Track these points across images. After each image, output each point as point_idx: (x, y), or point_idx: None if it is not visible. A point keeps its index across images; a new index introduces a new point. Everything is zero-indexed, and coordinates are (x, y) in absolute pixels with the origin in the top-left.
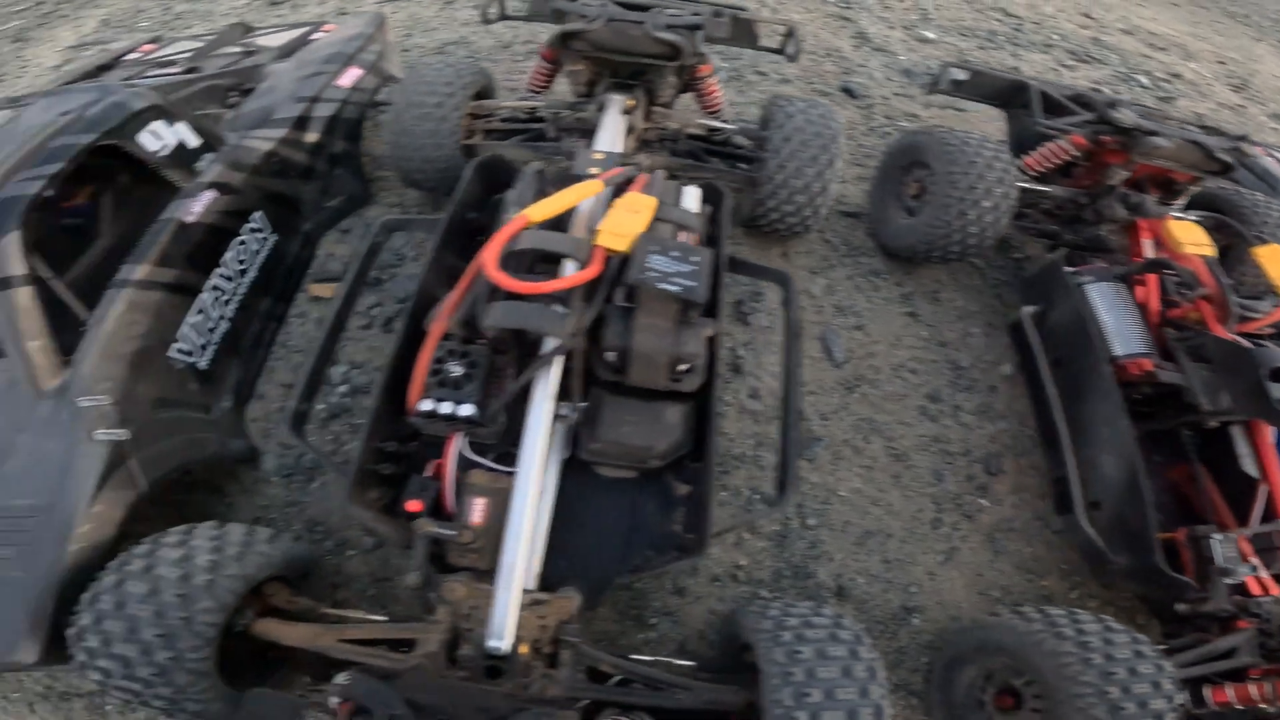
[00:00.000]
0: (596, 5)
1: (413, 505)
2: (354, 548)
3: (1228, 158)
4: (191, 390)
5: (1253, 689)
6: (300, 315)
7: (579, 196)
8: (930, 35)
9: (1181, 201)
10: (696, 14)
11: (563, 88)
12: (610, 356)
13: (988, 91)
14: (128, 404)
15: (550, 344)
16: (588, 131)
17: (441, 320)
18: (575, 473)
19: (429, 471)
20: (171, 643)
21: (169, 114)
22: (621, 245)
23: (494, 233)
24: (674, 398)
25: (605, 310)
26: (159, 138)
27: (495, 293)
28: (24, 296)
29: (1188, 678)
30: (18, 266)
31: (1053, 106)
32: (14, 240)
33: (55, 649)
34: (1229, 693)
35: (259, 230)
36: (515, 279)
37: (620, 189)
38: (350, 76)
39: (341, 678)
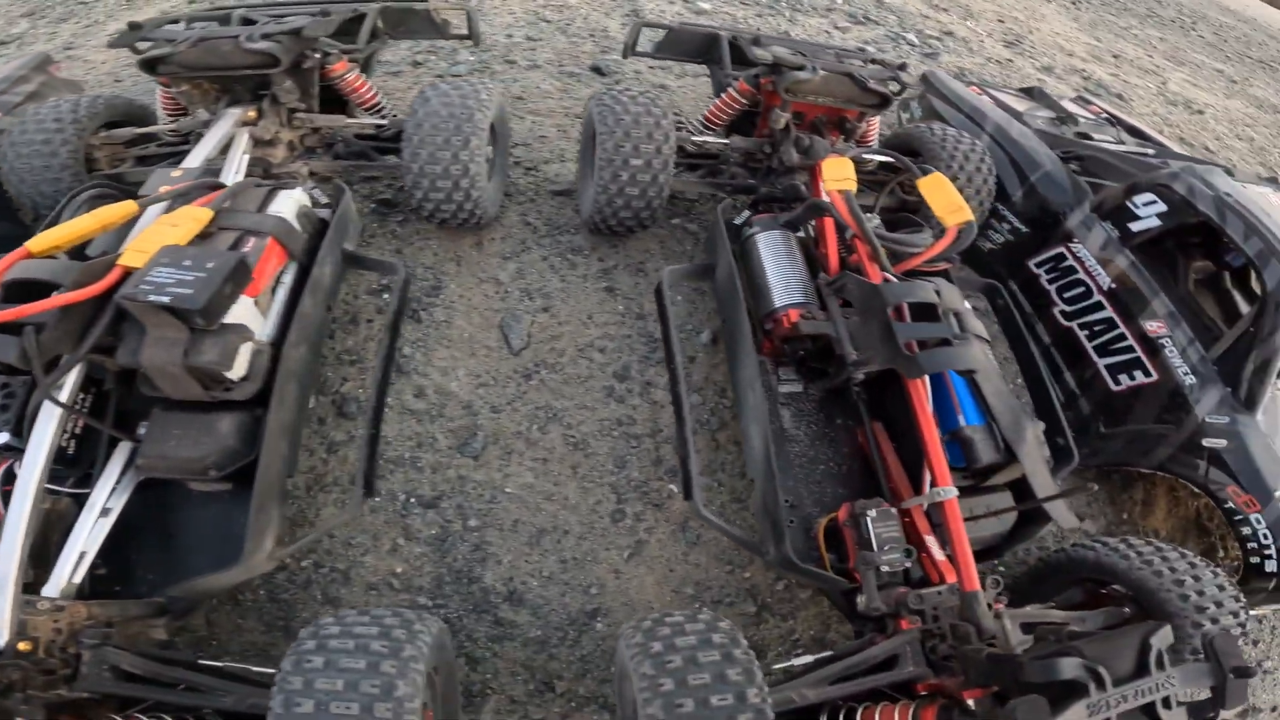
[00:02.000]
0: (184, 28)
1: None
2: None
3: (883, 89)
4: None
5: (896, 715)
6: None
7: (100, 221)
8: (705, 6)
9: (873, 142)
10: (328, 13)
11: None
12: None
13: (687, 48)
14: None
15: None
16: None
17: None
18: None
19: None
20: None
21: None
22: (139, 261)
23: None
24: (234, 406)
25: (127, 326)
26: None
27: None
28: None
29: (841, 698)
30: None
31: (743, 56)
32: None
33: None
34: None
35: None
36: None
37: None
38: None
39: None
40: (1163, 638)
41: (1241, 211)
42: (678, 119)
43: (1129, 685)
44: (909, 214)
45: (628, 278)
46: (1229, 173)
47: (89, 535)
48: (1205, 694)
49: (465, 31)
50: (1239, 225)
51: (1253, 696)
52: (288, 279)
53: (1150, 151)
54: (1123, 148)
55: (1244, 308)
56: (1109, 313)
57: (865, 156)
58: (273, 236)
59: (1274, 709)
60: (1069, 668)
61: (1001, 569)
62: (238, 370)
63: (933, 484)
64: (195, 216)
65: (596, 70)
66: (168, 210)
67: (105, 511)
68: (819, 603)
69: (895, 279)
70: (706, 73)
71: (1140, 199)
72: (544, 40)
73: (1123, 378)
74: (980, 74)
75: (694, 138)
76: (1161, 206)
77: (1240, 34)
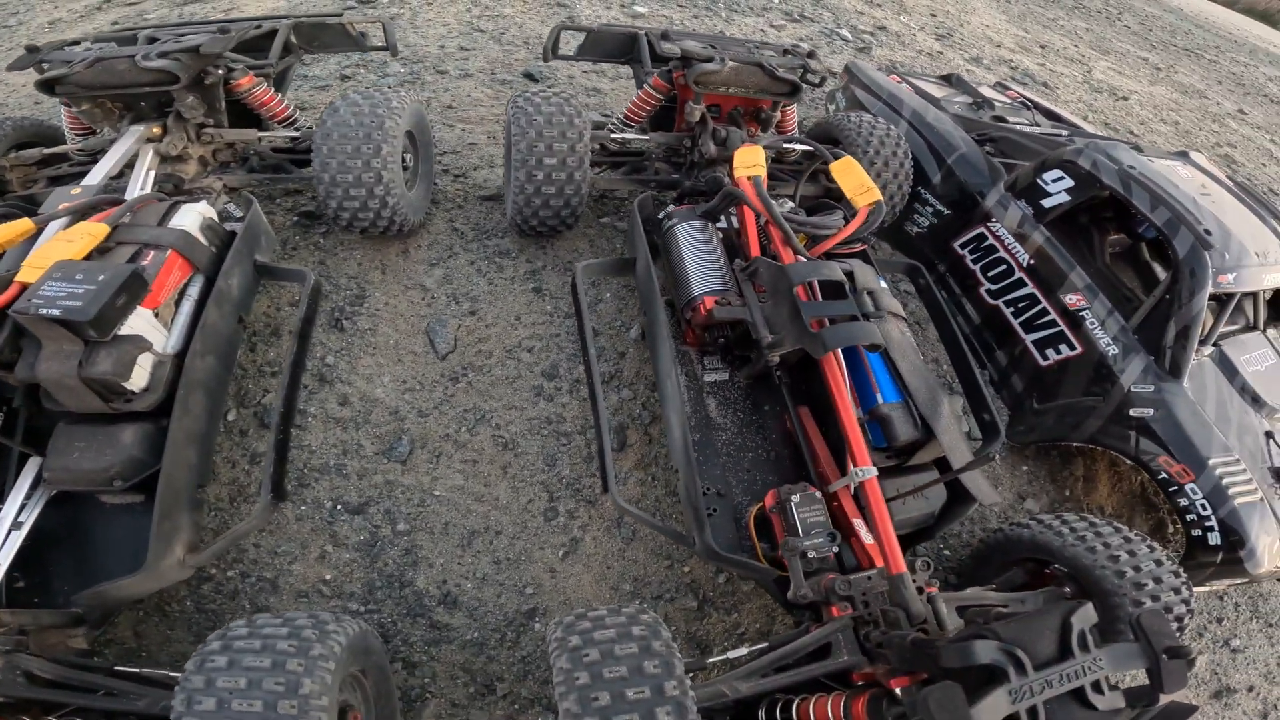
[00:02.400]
0: (84, 49)
1: None
2: None
3: (792, 76)
4: None
5: (829, 707)
6: None
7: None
8: (641, 10)
9: (792, 130)
10: (227, 30)
11: None
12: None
13: (608, 49)
14: None
15: None
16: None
17: None
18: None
19: None
20: None
21: None
22: (33, 277)
23: None
24: (138, 418)
25: (26, 342)
26: None
27: None
28: None
29: (776, 690)
30: None
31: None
32: None
33: None
34: (811, 711)
35: None
36: None
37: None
38: None
39: None
40: (1083, 617)
41: (1146, 183)
42: (605, 117)
43: (1052, 669)
44: (831, 200)
45: (556, 278)
46: (1137, 149)
47: (1, 548)
48: (1143, 678)
49: (383, 43)
50: (1145, 196)
51: (1225, 677)
52: (194, 291)
53: (1063, 132)
54: (1036, 129)
55: (1163, 277)
56: (1031, 289)
57: (784, 145)
58: (173, 249)
59: (1251, 689)
60: (984, 651)
61: (947, 553)
62: (137, 381)
63: (854, 464)
64: (90, 232)
65: (529, 76)
66: (67, 227)
67: (17, 525)
68: (762, 595)
69: (808, 260)
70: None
71: (1049, 176)
72: (477, 49)
73: (1049, 352)
74: (912, 66)
75: (614, 135)
76: (1069, 182)
77: (1166, 23)
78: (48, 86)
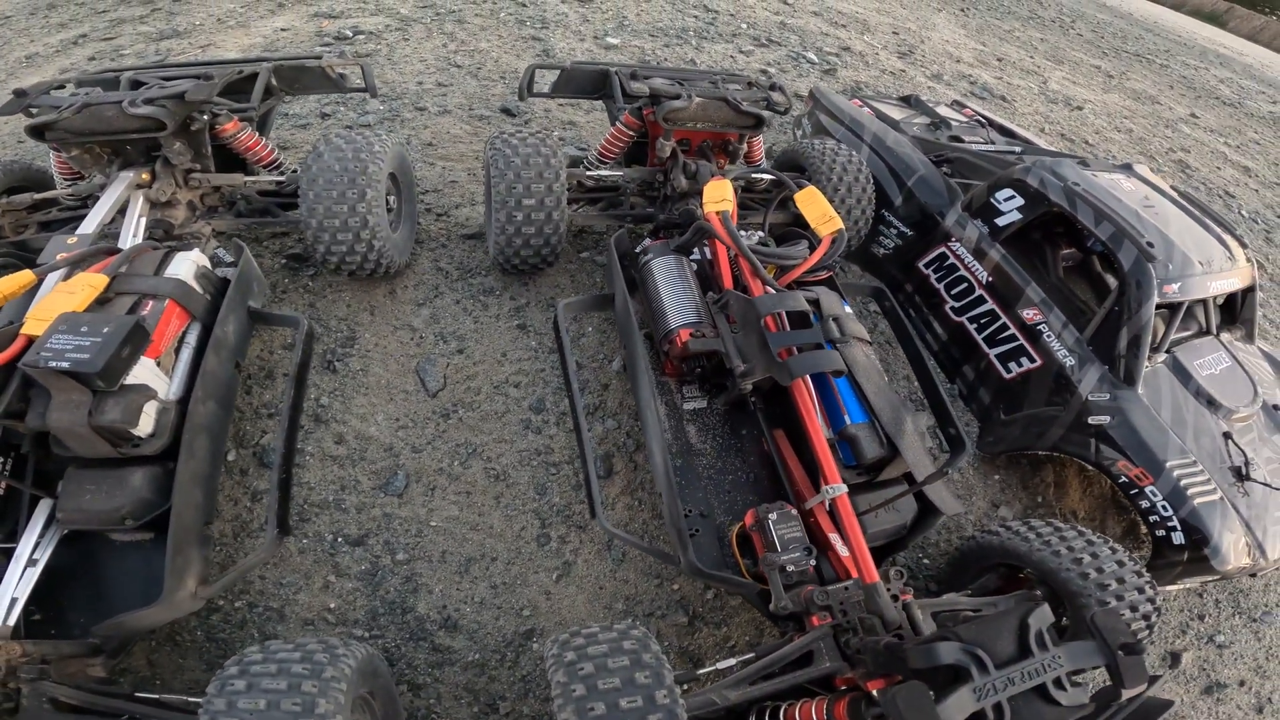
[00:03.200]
0: (70, 94)
1: None
2: None
3: (756, 110)
4: None
5: (813, 711)
6: None
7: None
8: (614, 41)
9: (760, 161)
10: (210, 76)
11: None
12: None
13: (582, 85)
14: None
15: None
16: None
17: None
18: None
19: None
20: None
21: None
22: (39, 329)
23: None
24: (145, 461)
25: (34, 392)
26: None
27: None
28: None
29: (763, 697)
30: None
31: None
32: None
33: None
34: (797, 716)
35: None
36: None
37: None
38: None
39: None
40: (1040, 617)
41: (1090, 199)
42: (581, 151)
43: (1014, 667)
44: (799, 228)
45: (539, 314)
46: (1084, 163)
47: (18, 584)
48: (1105, 677)
49: (362, 84)
50: (1089, 212)
51: (1214, 672)
52: (192, 339)
53: (1016, 149)
54: (991, 147)
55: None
56: (991, 305)
57: (753, 176)
58: (171, 299)
59: (1242, 683)
60: (947, 652)
61: (926, 561)
62: (144, 428)
63: (826, 483)
64: (91, 283)
65: (506, 112)
66: (66, 277)
67: (33, 562)
68: (750, 609)
69: (776, 291)
70: None
71: (1001, 195)
72: (455, 85)
73: (1012, 365)
74: (876, 86)
75: (589, 172)
76: (1020, 200)
77: (1117, 29)
78: (38, 132)
